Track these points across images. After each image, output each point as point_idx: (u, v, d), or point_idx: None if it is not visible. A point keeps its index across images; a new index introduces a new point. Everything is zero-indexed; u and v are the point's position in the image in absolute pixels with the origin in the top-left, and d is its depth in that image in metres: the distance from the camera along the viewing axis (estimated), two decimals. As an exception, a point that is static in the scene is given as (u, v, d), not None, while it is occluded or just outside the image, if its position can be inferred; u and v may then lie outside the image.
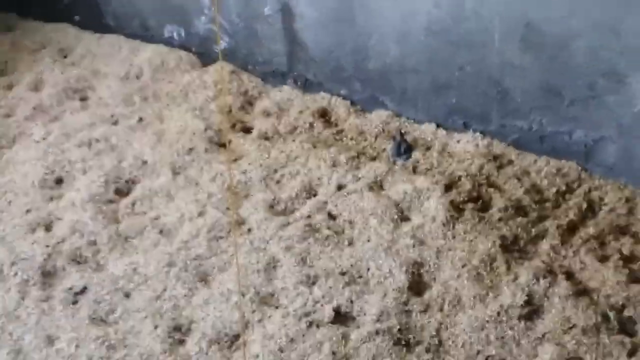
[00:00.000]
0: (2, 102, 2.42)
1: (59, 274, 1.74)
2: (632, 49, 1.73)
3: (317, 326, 1.57)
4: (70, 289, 1.68)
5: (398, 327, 1.58)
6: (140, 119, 2.28)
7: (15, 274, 1.74)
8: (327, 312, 1.60)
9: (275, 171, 2.03)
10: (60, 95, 2.48)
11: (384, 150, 2.11)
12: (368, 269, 1.72)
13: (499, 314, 1.58)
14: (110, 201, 1.94)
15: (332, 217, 1.87)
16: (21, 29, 2.78)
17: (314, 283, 1.68)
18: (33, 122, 2.34)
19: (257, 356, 1.51)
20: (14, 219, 1.96)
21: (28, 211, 1.98)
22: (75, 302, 1.67)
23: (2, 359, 1.63)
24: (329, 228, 1.84)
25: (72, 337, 1.58)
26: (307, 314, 1.62)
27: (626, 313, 1.60)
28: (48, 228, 1.91)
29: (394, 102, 2.29)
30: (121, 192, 2.03)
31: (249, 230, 1.82)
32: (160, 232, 1.83)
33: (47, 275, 1.74)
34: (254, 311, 1.62)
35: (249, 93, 2.41)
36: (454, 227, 1.76)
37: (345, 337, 1.56)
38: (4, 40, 2.72)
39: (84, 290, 1.68)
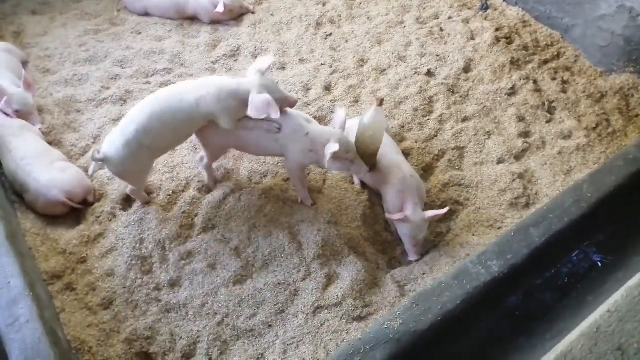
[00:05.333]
0: None
1: (322, 26, 3.51)
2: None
3: (417, 75, 3.09)
4: (325, 33, 3.47)
5: (452, 83, 3.02)
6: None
7: (304, 21, 3.54)
8: (424, 70, 3.12)
9: (424, 3, 3.71)
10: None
11: (475, 5, 3.66)
12: (449, 56, 3.19)
13: (497, 89, 2.99)
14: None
15: (442, 30, 3.41)
16: None
17: (423, 55, 3.21)
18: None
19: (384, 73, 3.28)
20: (305, 11, 3.85)
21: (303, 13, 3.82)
22: (326, 38, 3.45)
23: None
24: (440, 32, 3.41)
25: (313, 50, 3.31)
26: (414, 68, 3.14)
27: (553, 104, 2.97)
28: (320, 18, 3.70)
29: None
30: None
31: (404, 26, 3.46)
32: (368, 18, 3.57)
33: (317, 25, 3.52)
34: (394, 60, 3.24)
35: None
36: (492, 47, 3.22)
37: (427, 82, 3.07)
38: None
39: (330, 34, 3.52)
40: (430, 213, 2.25)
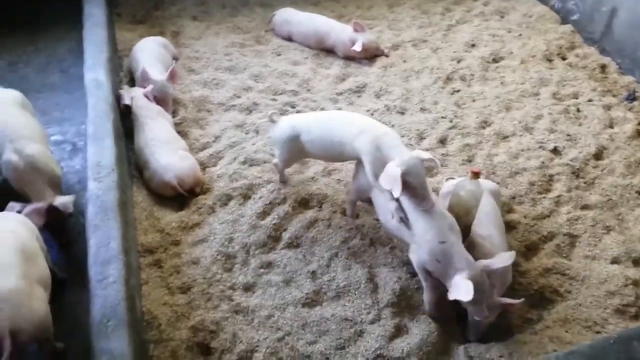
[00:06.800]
0: None
1: (451, 82, 3.47)
2: None
3: (542, 149, 2.97)
4: (453, 88, 3.44)
5: (578, 167, 2.83)
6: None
7: (435, 73, 3.49)
8: (550, 146, 2.95)
9: (564, 80, 3.58)
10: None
11: (621, 94, 3.41)
12: (581, 138, 3.00)
13: (628, 185, 2.77)
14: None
15: (578, 110, 3.22)
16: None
17: (553, 131, 3.05)
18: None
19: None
20: (439, 64, 3.75)
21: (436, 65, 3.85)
22: (452, 94, 3.41)
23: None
24: (576, 112, 3.21)
25: (436, 102, 3.27)
26: (540, 142, 2.98)
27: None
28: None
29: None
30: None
31: (538, 99, 3.30)
32: (501, 83, 3.45)
33: (447, 80, 3.46)
34: (520, 130, 3.11)
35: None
36: (632, 140, 3.04)
37: (551, 159, 3.05)
38: None
39: (458, 90, 3.70)
40: (504, 300, 2.03)
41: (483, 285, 1.95)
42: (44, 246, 2.12)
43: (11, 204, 2.20)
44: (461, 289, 1.89)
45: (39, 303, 1.80)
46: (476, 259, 2.14)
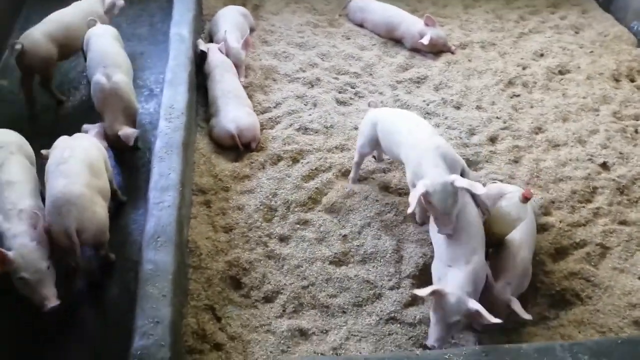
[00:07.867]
0: None
1: (512, 86, 3.50)
2: None
3: (591, 162, 2.98)
4: (513, 92, 3.46)
5: (624, 184, 2.81)
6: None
7: (498, 76, 3.54)
8: (600, 161, 2.97)
9: (628, 100, 3.52)
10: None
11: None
12: (634, 158, 2.97)
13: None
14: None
15: (637, 132, 3.19)
16: None
17: (605, 147, 3.03)
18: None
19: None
20: (503, 67, 3.88)
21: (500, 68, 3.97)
22: (511, 97, 3.41)
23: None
24: (634, 133, 3.18)
25: (494, 102, 3.34)
26: (590, 155, 2.98)
27: None
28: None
29: None
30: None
31: (597, 114, 3.29)
32: (563, 94, 3.44)
33: (509, 84, 3.54)
34: (572, 141, 3.11)
35: None
36: None
37: (598, 173, 3.00)
38: None
39: (518, 95, 3.63)
40: (514, 306, 2.06)
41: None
42: (111, 168, 2.42)
43: (85, 126, 2.53)
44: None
45: (100, 209, 2.09)
46: (497, 265, 2.22)
